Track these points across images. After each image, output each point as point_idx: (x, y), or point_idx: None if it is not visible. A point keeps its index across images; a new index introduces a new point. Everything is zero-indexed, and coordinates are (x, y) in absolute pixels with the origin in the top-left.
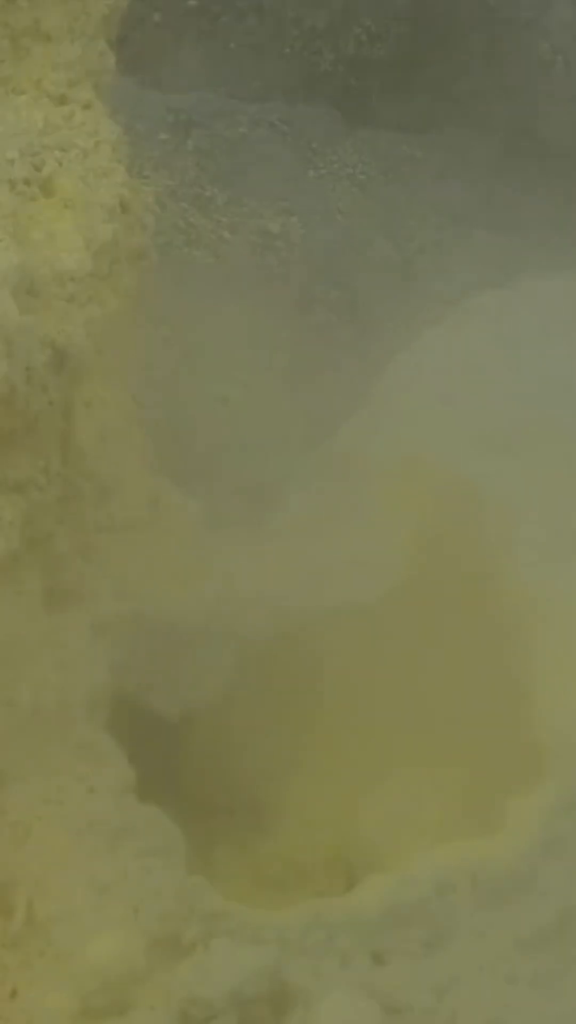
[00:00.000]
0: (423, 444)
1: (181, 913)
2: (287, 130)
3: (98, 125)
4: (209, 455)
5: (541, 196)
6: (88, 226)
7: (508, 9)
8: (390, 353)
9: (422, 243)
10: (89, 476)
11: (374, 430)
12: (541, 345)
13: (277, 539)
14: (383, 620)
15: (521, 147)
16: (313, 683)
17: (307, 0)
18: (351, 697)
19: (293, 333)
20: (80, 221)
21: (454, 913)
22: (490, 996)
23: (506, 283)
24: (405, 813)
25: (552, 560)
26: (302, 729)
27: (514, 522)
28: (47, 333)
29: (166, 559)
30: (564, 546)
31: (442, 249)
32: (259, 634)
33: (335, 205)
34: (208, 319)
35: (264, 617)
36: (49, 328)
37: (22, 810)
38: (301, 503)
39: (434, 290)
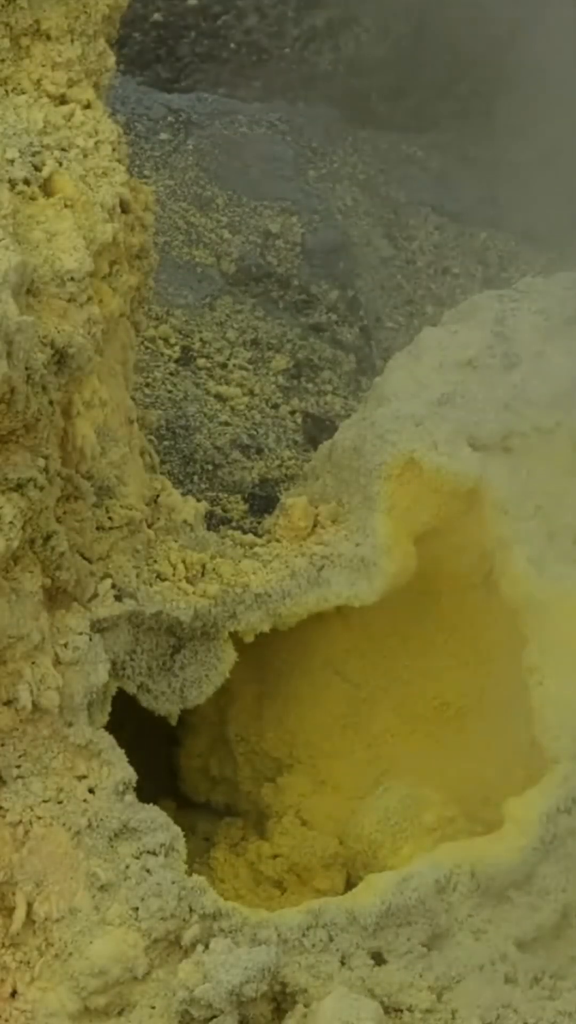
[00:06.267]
0: (423, 444)
1: (181, 913)
2: (287, 130)
3: (98, 125)
4: (209, 455)
5: (541, 196)
6: (88, 226)
7: (507, 9)
8: (390, 353)
9: (422, 243)
10: (89, 476)
11: (374, 430)
12: (541, 345)
13: (277, 539)
14: (383, 620)
15: (520, 147)
16: (312, 683)
17: (307, 0)
18: (350, 697)
19: (293, 333)
20: (80, 221)
21: (454, 913)
22: (490, 996)
23: (506, 283)
24: (405, 813)
25: (552, 560)
26: (302, 729)
27: (514, 522)
28: (47, 333)
29: (166, 559)
30: (564, 546)
31: (442, 249)
32: (259, 634)
33: (335, 205)
34: (208, 319)
35: (264, 617)
36: (49, 328)
37: (22, 810)
38: (301, 503)
39: (434, 290)
